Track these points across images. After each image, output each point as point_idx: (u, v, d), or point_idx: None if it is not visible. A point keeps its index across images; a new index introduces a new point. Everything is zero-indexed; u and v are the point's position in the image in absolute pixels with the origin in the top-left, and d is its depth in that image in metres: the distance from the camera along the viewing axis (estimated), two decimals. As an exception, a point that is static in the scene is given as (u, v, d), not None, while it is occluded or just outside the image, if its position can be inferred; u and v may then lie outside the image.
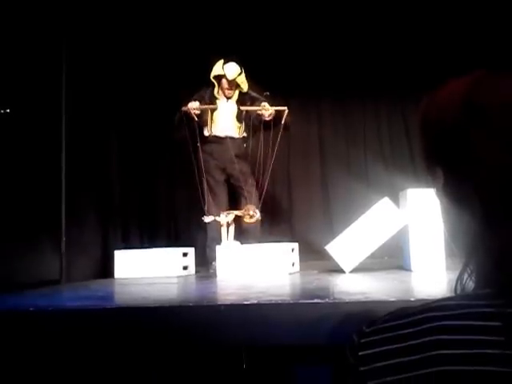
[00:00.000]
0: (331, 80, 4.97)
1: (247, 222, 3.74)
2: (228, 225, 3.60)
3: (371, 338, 0.57)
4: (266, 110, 3.81)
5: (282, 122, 3.79)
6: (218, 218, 3.62)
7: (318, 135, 5.31)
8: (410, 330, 0.55)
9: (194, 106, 3.85)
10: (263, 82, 4.06)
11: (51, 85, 3.20)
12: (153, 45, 4.45)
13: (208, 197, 3.93)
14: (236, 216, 3.68)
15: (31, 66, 2.97)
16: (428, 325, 0.54)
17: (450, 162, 0.60)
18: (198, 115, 3.87)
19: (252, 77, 4.01)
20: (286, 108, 3.79)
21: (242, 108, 3.95)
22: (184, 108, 3.85)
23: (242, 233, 3.83)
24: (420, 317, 0.55)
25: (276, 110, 3.83)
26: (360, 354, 0.57)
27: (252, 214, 3.64)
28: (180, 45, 4.50)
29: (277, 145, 3.84)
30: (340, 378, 0.60)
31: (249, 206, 3.71)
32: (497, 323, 0.51)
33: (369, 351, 0.56)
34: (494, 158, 0.55)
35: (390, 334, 0.56)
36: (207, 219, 3.67)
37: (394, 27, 4.63)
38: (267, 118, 3.84)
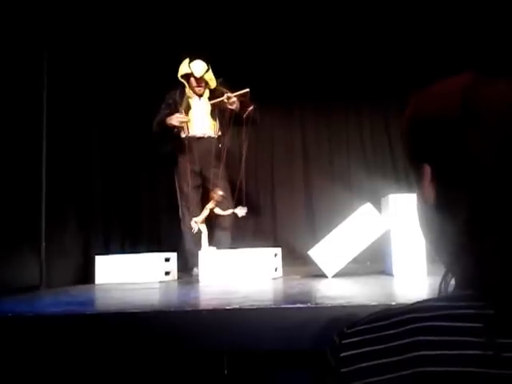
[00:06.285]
0: (314, 87, 5.01)
1: (220, 214, 3.69)
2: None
3: (352, 340, 0.57)
4: (228, 98, 3.78)
5: (247, 111, 3.77)
6: (197, 219, 3.60)
7: (302, 142, 5.34)
8: (391, 331, 0.55)
9: (183, 119, 3.87)
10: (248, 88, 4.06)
11: (31, 86, 3.16)
12: (136, 45, 4.44)
13: (182, 205, 3.92)
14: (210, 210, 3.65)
15: (10, 64, 2.92)
16: (409, 326, 0.54)
17: (441, 160, 0.59)
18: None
19: (237, 84, 4.00)
20: (247, 89, 3.76)
21: (210, 102, 3.94)
22: (175, 124, 3.86)
23: (213, 240, 3.80)
24: (401, 318, 0.56)
25: (241, 96, 3.79)
26: (341, 355, 0.57)
27: (218, 196, 3.59)
28: (162, 46, 4.48)
29: (246, 136, 3.81)
30: (321, 379, 0.60)
31: (213, 191, 3.65)
32: (477, 324, 0.51)
33: (350, 352, 0.56)
34: (486, 158, 0.55)
35: (371, 336, 0.56)
36: (193, 230, 3.63)
37: (375, 36, 4.68)
38: (231, 107, 3.81)
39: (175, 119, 3.87)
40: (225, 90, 3.99)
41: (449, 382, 0.49)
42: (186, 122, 3.95)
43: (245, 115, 3.77)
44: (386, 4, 4.35)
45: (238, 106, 3.82)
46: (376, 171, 5.09)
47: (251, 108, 3.77)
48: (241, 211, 3.60)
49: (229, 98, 3.78)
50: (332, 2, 4.40)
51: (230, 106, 3.80)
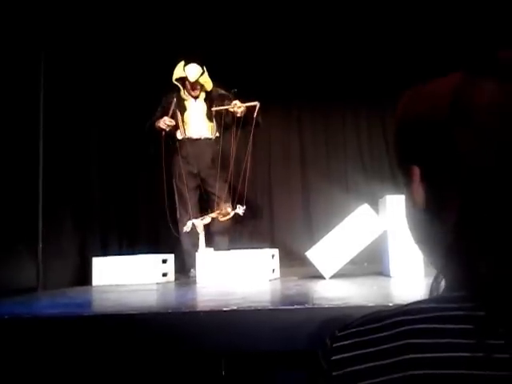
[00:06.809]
0: (312, 89, 5.02)
1: (221, 220, 3.72)
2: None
3: (343, 343, 0.57)
4: (238, 108, 3.78)
5: (254, 115, 3.75)
6: (196, 222, 3.61)
7: (299, 143, 5.35)
8: (382, 334, 0.55)
9: (170, 123, 3.87)
10: (245, 90, 4.05)
11: (28, 86, 3.15)
12: (134, 45, 4.44)
13: (179, 206, 3.93)
14: (211, 218, 3.68)
15: (7, 64, 2.91)
16: (400, 329, 0.54)
17: (430, 161, 0.59)
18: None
19: (235, 84, 3.99)
20: (257, 103, 3.77)
21: (214, 109, 3.94)
22: (162, 126, 3.86)
23: (211, 242, 3.81)
24: (392, 321, 0.55)
25: (247, 108, 3.80)
26: (332, 358, 0.57)
27: (225, 212, 3.63)
28: (161, 46, 4.48)
29: (250, 142, 3.82)
30: (315, 381, 0.60)
31: (221, 205, 3.69)
32: (468, 326, 0.51)
33: (341, 356, 0.56)
34: (476, 158, 0.54)
35: (362, 339, 0.56)
36: (186, 228, 3.64)
37: (373, 38, 4.69)
38: (239, 115, 3.81)
39: (162, 122, 3.89)
40: (221, 91, 3.99)
41: None
42: (183, 124, 3.96)
43: (255, 116, 3.76)
44: (385, 6, 4.35)
45: (245, 111, 3.83)
46: (373, 172, 5.10)
47: (258, 106, 3.76)
48: (241, 210, 3.65)
49: (238, 106, 3.78)
50: (331, 3, 4.41)
51: (238, 115, 3.81)
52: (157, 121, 3.93)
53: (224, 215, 3.65)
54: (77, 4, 3.64)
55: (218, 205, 3.74)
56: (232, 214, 3.67)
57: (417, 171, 0.61)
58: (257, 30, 4.59)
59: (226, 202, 3.76)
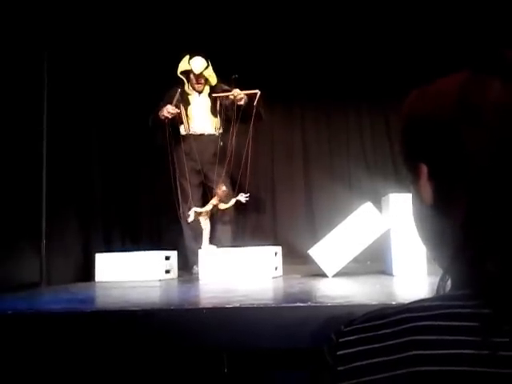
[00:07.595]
0: (315, 87, 5.01)
1: (223, 209, 3.68)
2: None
3: (349, 338, 0.57)
4: (238, 95, 3.76)
5: (255, 103, 3.74)
6: (198, 209, 3.60)
7: (302, 140, 5.34)
8: (387, 330, 0.55)
9: (173, 111, 3.84)
10: (248, 87, 4.05)
11: (32, 86, 3.16)
12: (136, 44, 4.45)
13: (182, 202, 3.92)
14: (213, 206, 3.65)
15: (11, 64, 2.92)
16: (405, 325, 0.54)
17: (437, 159, 0.59)
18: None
19: (237, 84, 3.99)
20: (257, 91, 3.75)
21: (214, 95, 3.92)
22: (165, 115, 3.84)
23: (214, 237, 3.80)
24: (397, 317, 0.56)
25: (248, 96, 3.79)
26: (338, 353, 0.57)
27: (221, 193, 3.58)
28: (162, 44, 4.49)
29: (250, 133, 3.79)
30: (318, 377, 0.60)
31: (216, 189, 3.64)
32: (473, 323, 0.51)
33: (346, 351, 0.56)
34: (483, 157, 0.55)
35: (368, 334, 0.56)
36: (190, 218, 3.63)
37: (376, 36, 4.68)
38: (239, 103, 3.79)
39: (165, 111, 3.87)
40: (225, 87, 3.99)
41: (444, 382, 0.49)
42: (187, 119, 3.95)
43: (255, 104, 3.74)
44: (388, 4, 4.34)
45: (247, 100, 3.80)
46: (376, 170, 5.09)
47: (258, 94, 3.74)
48: (243, 198, 3.61)
49: (238, 93, 3.76)
50: (333, 2, 4.40)
51: (238, 103, 3.79)
52: (159, 112, 3.92)
53: (221, 197, 3.58)
54: (79, 4, 3.65)
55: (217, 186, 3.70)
56: (233, 201, 3.62)
57: (424, 169, 0.61)
58: (260, 28, 4.58)
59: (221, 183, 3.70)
